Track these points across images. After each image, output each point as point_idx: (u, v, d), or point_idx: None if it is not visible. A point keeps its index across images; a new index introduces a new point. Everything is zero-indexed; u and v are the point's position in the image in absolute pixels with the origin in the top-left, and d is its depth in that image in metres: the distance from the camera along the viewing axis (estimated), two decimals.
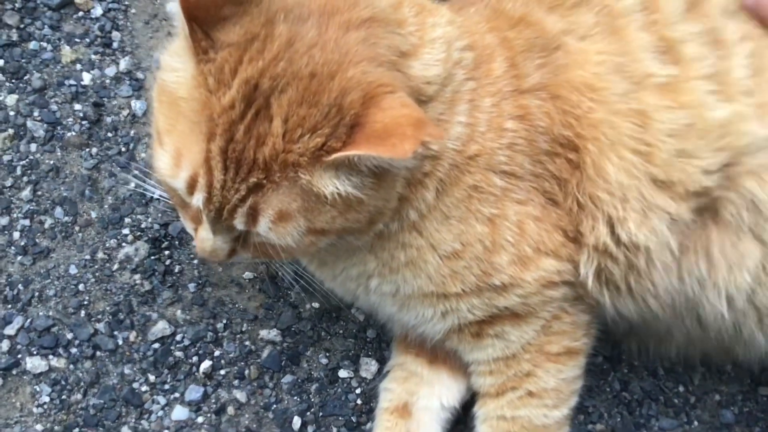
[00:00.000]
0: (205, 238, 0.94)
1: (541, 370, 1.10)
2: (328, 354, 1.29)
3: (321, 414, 1.26)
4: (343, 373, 1.28)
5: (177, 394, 1.25)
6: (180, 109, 0.87)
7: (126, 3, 1.43)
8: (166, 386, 1.25)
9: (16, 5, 1.37)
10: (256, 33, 0.84)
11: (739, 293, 1.05)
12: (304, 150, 0.84)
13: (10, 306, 1.26)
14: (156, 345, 1.27)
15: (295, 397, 1.26)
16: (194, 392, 1.25)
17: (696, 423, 1.29)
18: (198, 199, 0.88)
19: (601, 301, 1.08)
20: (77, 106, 1.35)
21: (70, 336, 1.26)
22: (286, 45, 0.84)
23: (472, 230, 1.01)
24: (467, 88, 0.98)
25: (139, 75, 1.37)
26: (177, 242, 1.32)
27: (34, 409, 1.22)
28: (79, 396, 1.23)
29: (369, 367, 1.28)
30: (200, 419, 1.24)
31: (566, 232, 1.03)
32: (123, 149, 1.35)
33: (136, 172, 1.33)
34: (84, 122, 1.35)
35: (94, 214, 1.32)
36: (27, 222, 1.30)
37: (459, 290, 1.03)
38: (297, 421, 1.24)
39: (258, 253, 0.96)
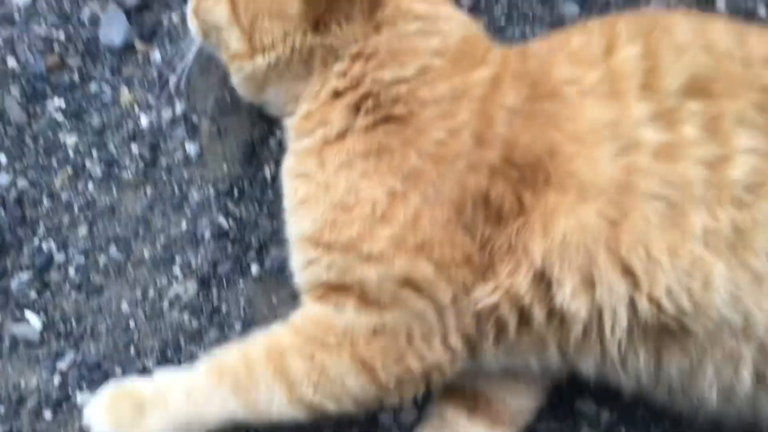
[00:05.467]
0: None
1: (335, 356, 1.05)
2: None
3: None
4: (384, 419, 1.29)
5: None
6: None
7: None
8: None
9: (80, 48, 1.43)
10: None
11: (738, 390, 1.02)
12: None
13: (62, 341, 1.30)
14: None
15: None
16: None
17: None
18: None
19: (477, 345, 1.06)
20: (134, 147, 1.40)
21: (119, 372, 1.29)
22: None
23: (373, 190, 1.01)
24: (436, 62, 1.04)
25: (194, 118, 1.41)
26: (225, 282, 1.35)
27: None
28: None
29: (409, 414, 1.28)
30: None
31: (470, 258, 1.01)
32: (176, 190, 1.38)
33: (188, 211, 1.37)
34: (140, 163, 1.39)
35: (146, 253, 1.36)
36: (82, 259, 1.35)
37: (330, 240, 1.04)
38: None
39: None
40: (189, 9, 1.22)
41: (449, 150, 1.01)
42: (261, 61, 1.12)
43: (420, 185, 1.00)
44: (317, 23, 1.07)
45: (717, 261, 0.95)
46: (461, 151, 1.01)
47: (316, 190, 1.06)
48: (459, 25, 1.10)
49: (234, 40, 1.13)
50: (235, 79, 1.20)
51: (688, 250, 0.95)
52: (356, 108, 1.06)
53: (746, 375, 1.00)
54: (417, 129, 1.02)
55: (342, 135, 1.06)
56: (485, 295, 1.01)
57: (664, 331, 0.99)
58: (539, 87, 1.03)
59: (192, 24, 1.21)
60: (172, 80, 1.39)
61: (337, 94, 1.08)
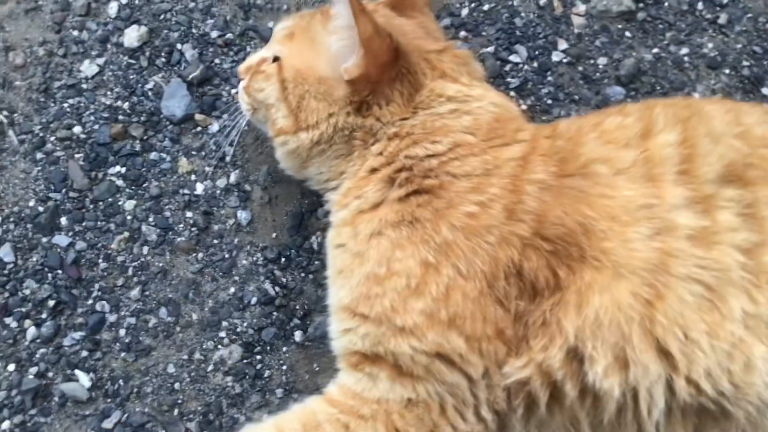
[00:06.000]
0: None
1: (370, 427, 1.06)
2: None
3: None
4: None
5: None
6: None
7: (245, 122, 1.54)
8: None
9: (142, 119, 1.50)
10: None
11: None
12: None
13: (109, 400, 1.33)
14: None
15: None
16: None
17: None
18: None
19: (506, 419, 1.05)
20: (188, 214, 1.45)
21: None
22: None
23: (404, 261, 1.03)
24: (468, 139, 1.09)
25: (247, 187, 1.46)
26: (268, 348, 1.37)
27: None
28: None
29: None
30: None
31: (503, 332, 1.01)
32: (226, 256, 1.43)
33: (236, 277, 1.41)
34: (193, 229, 1.44)
35: (195, 316, 1.39)
36: (133, 320, 1.39)
37: (365, 312, 1.05)
38: None
39: None
40: (241, 86, 1.28)
41: (480, 223, 1.03)
42: (305, 137, 1.17)
43: (451, 257, 1.02)
44: (361, 106, 1.13)
45: (758, 343, 0.94)
46: (492, 224, 1.02)
47: (351, 260, 1.09)
48: (491, 105, 1.15)
49: (281, 117, 1.19)
50: (279, 153, 1.25)
51: (729, 331, 0.94)
52: (391, 181, 1.10)
53: None
54: (448, 201, 1.05)
55: (376, 206, 1.10)
56: (517, 370, 1.01)
57: (703, 412, 0.98)
58: (568, 163, 1.05)
59: (242, 100, 1.28)
60: (228, 151, 1.46)
61: (373, 171, 1.13)
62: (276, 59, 1.22)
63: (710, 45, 1.50)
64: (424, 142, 1.10)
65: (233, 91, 1.50)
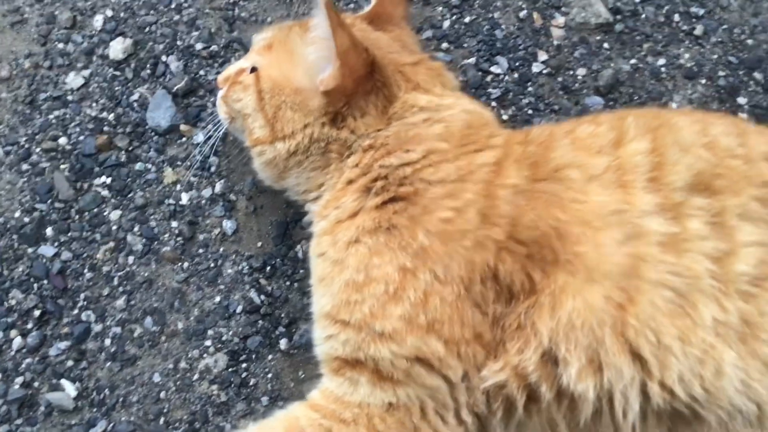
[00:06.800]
0: None
1: (352, 431, 1.08)
2: None
3: None
4: None
5: None
6: None
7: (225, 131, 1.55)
8: None
9: (127, 129, 1.51)
10: None
11: None
12: None
13: (95, 410, 1.34)
14: None
15: None
16: None
17: None
18: None
19: (486, 422, 1.06)
20: (174, 224, 1.46)
21: None
22: None
23: (382, 268, 1.05)
24: (441, 146, 1.10)
25: (232, 197, 1.48)
26: (254, 356, 1.38)
27: None
28: None
29: None
30: None
31: (481, 336, 1.03)
32: (212, 265, 1.44)
33: (221, 285, 1.42)
34: (179, 238, 1.45)
35: (180, 325, 1.40)
36: (119, 330, 1.39)
37: (345, 318, 1.07)
38: None
39: None
40: (219, 95, 1.30)
41: (456, 228, 1.04)
42: (281, 147, 1.19)
43: (428, 263, 1.04)
44: (336, 117, 1.15)
45: (728, 349, 0.96)
46: (467, 229, 1.04)
47: (331, 268, 1.10)
48: (463, 112, 1.17)
49: (258, 127, 1.21)
50: (257, 163, 1.27)
51: (700, 338, 0.96)
52: (367, 190, 1.12)
53: None
54: (423, 208, 1.06)
55: (353, 214, 1.12)
56: (494, 373, 1.03)
57: (677, 416, 0.99)
58: (540, 167, 1.07)
59: (220, 109, 1.30)
60: (213, 161, 1.47)
61: (350, 182, 1.15)
62: (254, 69, 1.23)
63: (687, 56, 1.53)
64: (398, 152, 1.12)
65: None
